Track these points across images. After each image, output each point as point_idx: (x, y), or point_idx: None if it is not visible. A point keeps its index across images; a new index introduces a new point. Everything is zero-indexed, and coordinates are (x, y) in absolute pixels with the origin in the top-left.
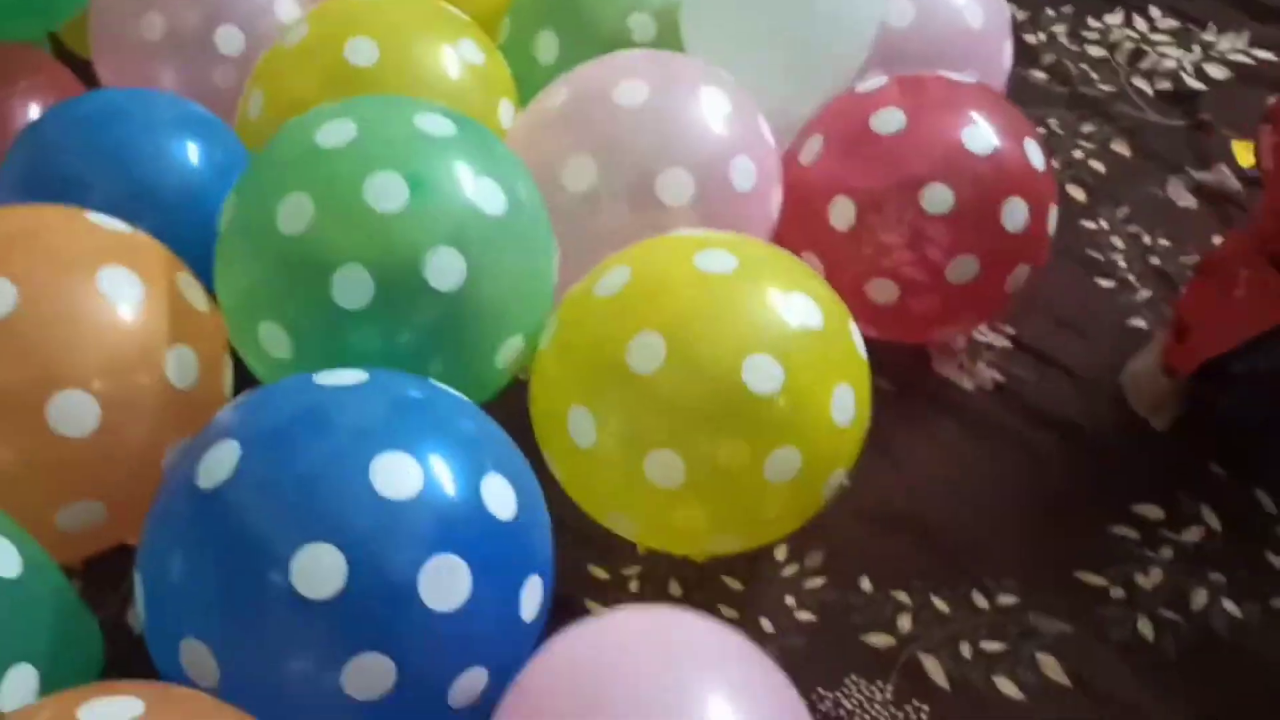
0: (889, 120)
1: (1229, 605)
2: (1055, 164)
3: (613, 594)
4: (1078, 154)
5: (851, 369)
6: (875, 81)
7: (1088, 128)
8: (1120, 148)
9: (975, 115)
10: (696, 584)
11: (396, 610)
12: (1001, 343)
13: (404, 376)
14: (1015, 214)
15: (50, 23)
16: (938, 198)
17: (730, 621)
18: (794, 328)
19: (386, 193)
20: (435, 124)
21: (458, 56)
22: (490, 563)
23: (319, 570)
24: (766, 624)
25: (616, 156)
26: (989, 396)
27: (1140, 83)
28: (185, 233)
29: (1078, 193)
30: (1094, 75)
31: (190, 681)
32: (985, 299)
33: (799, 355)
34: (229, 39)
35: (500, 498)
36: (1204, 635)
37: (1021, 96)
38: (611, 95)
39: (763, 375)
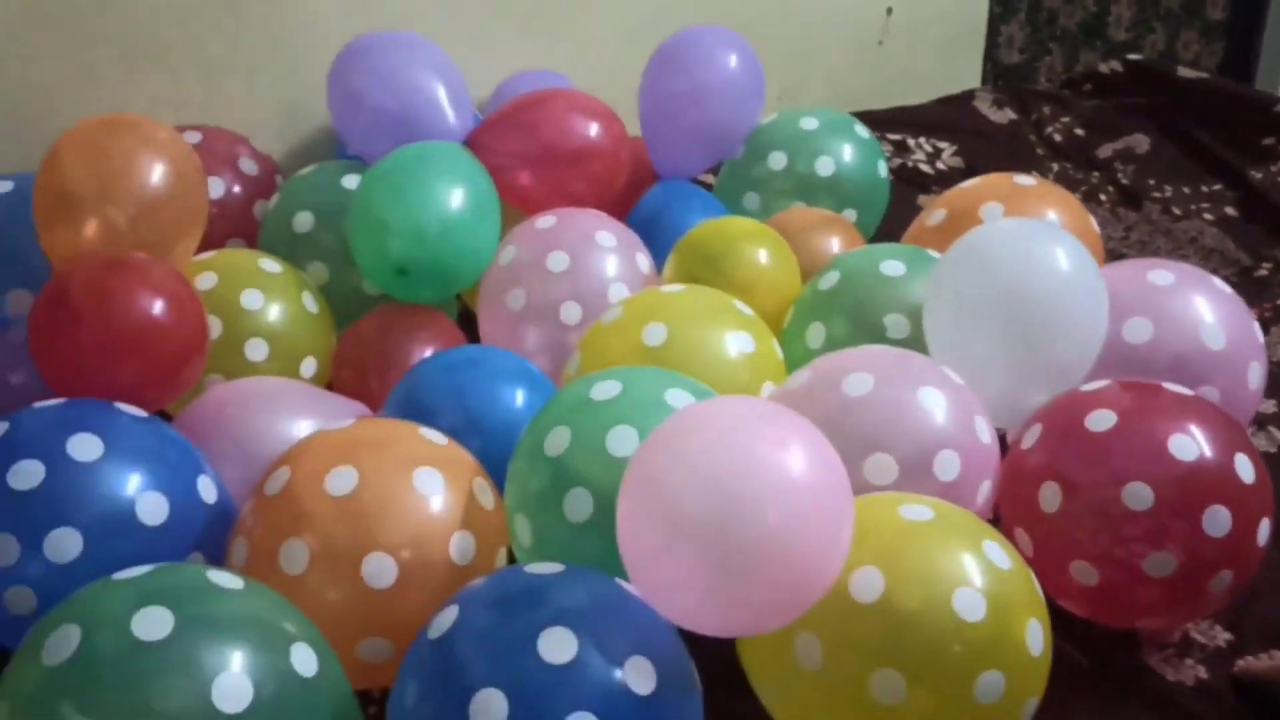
0: (1101, 419)
1: None
2: None
3: None
4: None
5: (1037, 608)
6: (1099, 383)
7: None
8: None
9: (1186, 424)
10: None
11: None
12: (1216, 643)
13: (591, 573)
14: (1218, 520)
15: (449, 293)
16: (1138, 494)
17: None
18: (992, 567)
19: (622, 441)
20: (678, 397)
21: (731, 344)
22: None
23: (488, 711)
24: None
25: (833, 439)
26: (1189, 693)
27: None
28: (501, 453)
29: None
30: None
31: None
32: (1185, 597)
33: (998, 591)
34: (571, 312)
35: (642, 674)
36: None
37: None
38: (840, 384)
39: (971, 606)
